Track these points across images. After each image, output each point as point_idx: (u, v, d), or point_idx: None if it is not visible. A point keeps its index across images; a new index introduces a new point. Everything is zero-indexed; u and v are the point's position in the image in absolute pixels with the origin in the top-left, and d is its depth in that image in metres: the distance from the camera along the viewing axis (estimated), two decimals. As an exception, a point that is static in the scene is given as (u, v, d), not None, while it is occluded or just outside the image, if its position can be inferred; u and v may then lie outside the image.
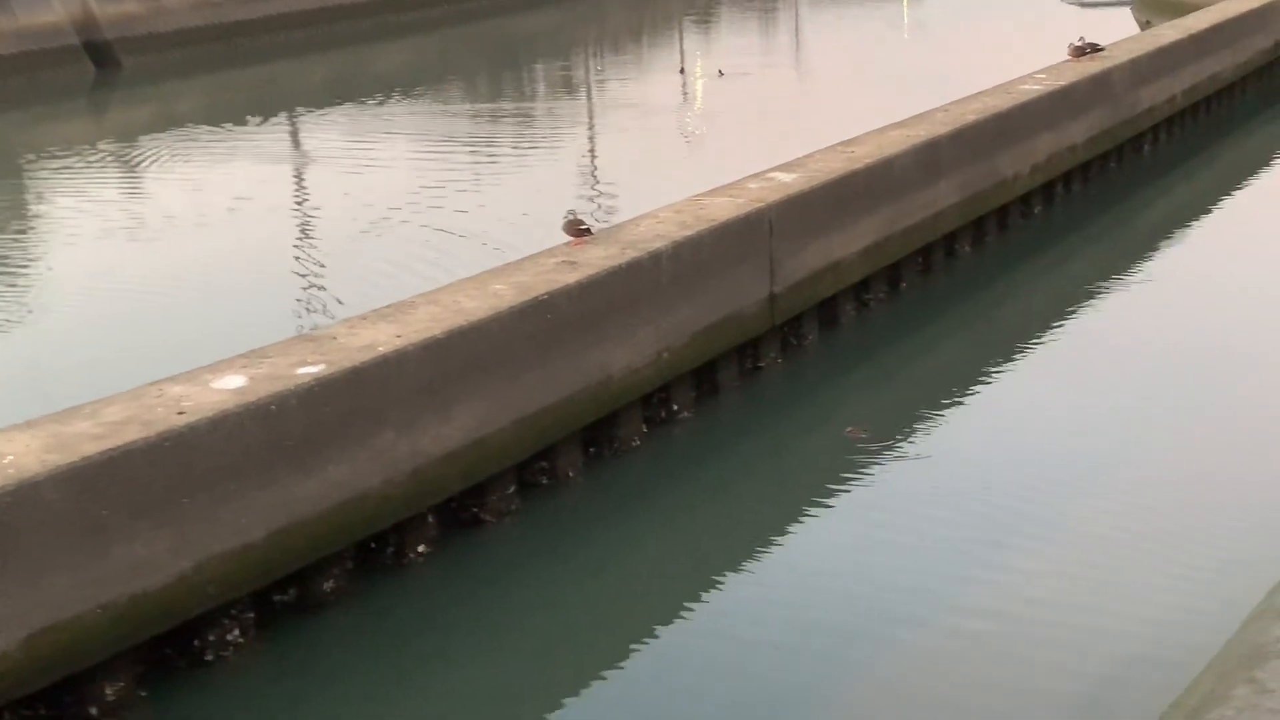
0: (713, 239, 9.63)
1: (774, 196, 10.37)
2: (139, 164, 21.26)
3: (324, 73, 32.95)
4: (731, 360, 10.19)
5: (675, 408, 9.64)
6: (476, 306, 8.00)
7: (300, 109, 25.79)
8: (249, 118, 24.69)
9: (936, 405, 10.12)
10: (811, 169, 11.26)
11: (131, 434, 6.27)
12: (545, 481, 8.65)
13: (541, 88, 29.51)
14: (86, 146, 23.11)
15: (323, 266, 14.29)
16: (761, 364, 10.56)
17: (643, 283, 9.03)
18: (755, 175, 11.07)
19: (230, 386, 6.79)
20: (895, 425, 9.71)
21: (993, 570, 7.85)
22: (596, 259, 8.88)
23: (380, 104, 25.87)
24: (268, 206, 17.27)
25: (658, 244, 9.22)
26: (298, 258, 14.73)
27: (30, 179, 20.66)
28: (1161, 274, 13.51)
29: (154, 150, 22.14)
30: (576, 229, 9.29)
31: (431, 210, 16.06)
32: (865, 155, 11.66)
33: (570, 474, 8.76)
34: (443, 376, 7.60)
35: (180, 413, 6.45)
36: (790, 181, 10.81)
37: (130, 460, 6.19)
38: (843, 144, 12.13)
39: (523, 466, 8.50)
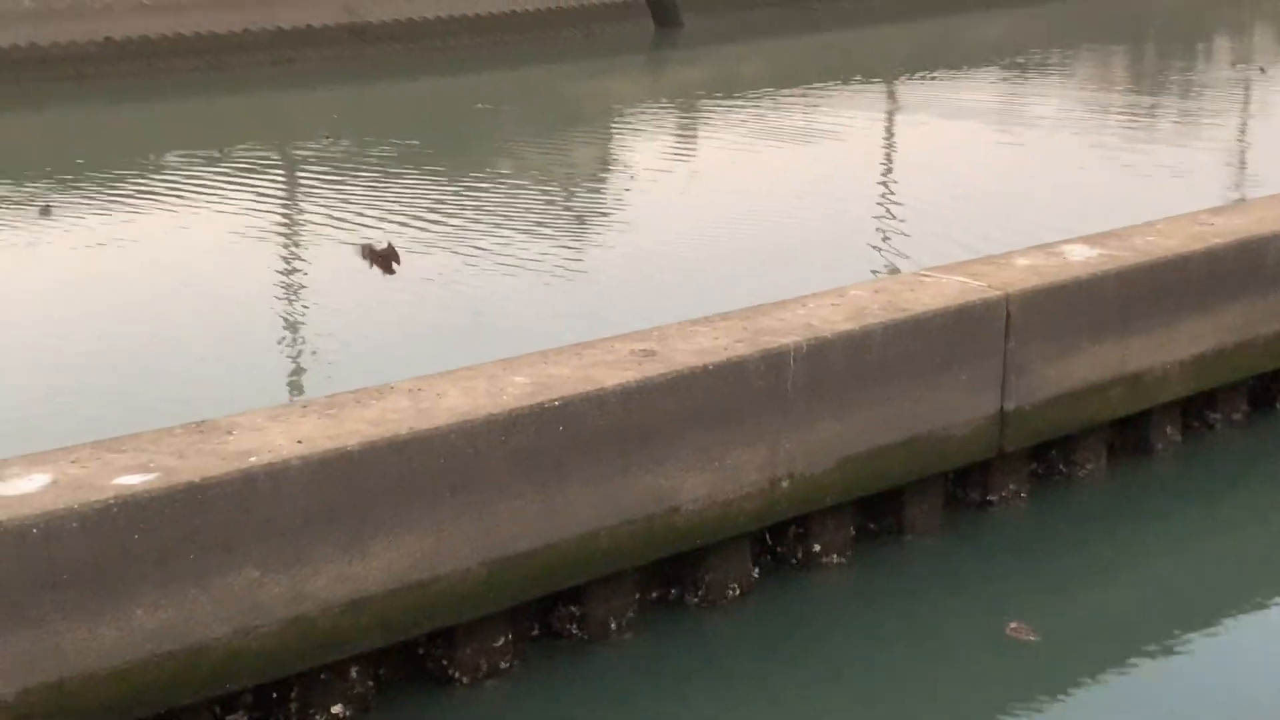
0: (886, 337, 7.24)
1: (1021, 284, 7.75)
2: (695, 124, 21.04)
3: (907, 43, 31.04)
4: (930, 493, 7.74)
5: (816, 549, 7.38)
6: (455, 407, 6.17)
7: (871, 79, 24.42)
8: (813, 86, 23.51)
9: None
10: (1132, 244, 8.46)
11: None
12: (576, 632, 6.73)
13: (1175, 75, 26.21)
14: (645, 103, 23.01)
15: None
16: (991, 498, 8.01)
17: (749, 389, 6.84)
18: (1037, 248, 8.43)
19: (20, 491, 5.37)
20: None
21: None
22: (684, 354, 6.78)
23: (963, 79, 24.23)
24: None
25: (788, 339, 6.97)
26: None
27: (592, 131, 20.39)
28: None
29: (709, 112, 21.68)
30: (378, 254, 7.09)
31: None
32: (1223, 231, 8.67)
33: (614, 627, 6.78)
34: (352, 501, 5.84)
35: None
36: (1075, 262, 8.11)
37: None
38: (1209, 212, 9.13)
39: (534, 614, 6.63)
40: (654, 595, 7.05)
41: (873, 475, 7.38)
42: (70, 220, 14.52)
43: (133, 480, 5.45)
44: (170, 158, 17.33)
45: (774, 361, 6.88)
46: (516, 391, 6.31)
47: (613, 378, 6.48)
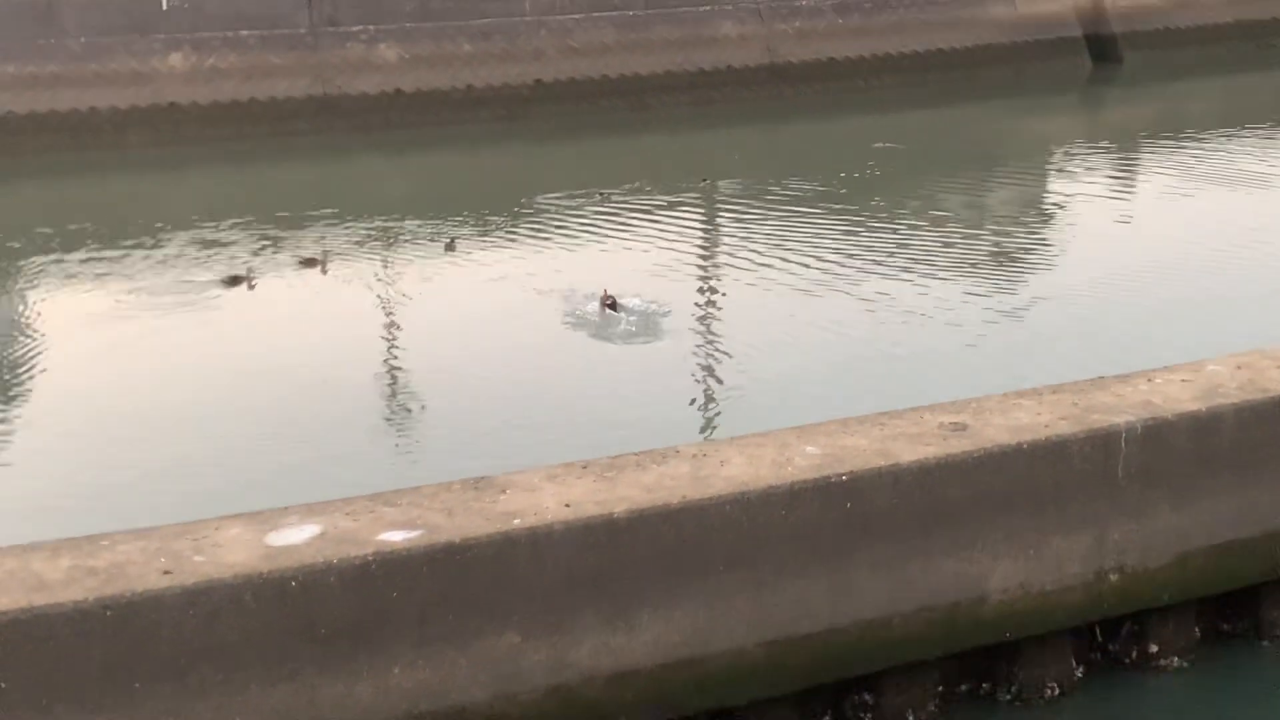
0: (1240, 420, 6.49)
1: None
2: (1127, 166, 20.35)
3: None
4: (1295, 593, 6.90)
5: (1153, 649, 6.67)
6: (734, 476, 5.87)
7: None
8: (1269, 126, 22.28)
9: None
10: None
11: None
12: (865, 718, 6.30)
13: None
14: (1072, 143, 22.45)
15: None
16: (1374, 605, 7.07)
17: (1071, 472, 6.25)
18: None
19: (287, 542, 5.41)
20: None
21: None
22: (998, 430, 6.25)
23: None
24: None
25: (1119, 418, 6.33)
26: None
27: (1009, 172, 19.82)
28: None
29: (1146, 153, 20.98)
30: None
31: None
32: None
33: (912, 719, 6.32)
34: (617, 569, 5.63)
35: (167, 572, 5.20)
36: None
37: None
38: None
39: (825, 698, 6.24)
40: (962, 688, 6.52)
41: (1219, 573, 6.62)
42: (470, 255, 14.98)
43: (395, 537, 5.42)
44: (577, 195, 17.61)
45: (1101, 442, 6.26)
46: (804, 463, 5.95)
47: (911, 453, 6.03)
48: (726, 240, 15.26)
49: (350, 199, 18.41)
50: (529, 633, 5.54)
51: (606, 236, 15.50)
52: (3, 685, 4.85)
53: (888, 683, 6.23)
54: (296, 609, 5.22)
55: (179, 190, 20.10)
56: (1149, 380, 6.74)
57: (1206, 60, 29.89)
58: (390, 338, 12.23)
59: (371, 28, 23.68)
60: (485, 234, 16.06)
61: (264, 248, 15.01)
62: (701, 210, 16.86)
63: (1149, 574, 6.45)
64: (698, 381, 10.74)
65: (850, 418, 6.41)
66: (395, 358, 11.63)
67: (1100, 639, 6.71)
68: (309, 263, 14.12)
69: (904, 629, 6.08)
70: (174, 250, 15.00)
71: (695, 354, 11.32)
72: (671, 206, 16.87)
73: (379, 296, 13.44)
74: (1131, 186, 19.17)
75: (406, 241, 15.66)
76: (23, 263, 14.81)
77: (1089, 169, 20.44)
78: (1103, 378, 6.83)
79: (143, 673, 5.06)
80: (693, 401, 10.18)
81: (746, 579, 5.80)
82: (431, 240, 15.66)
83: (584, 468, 5.99)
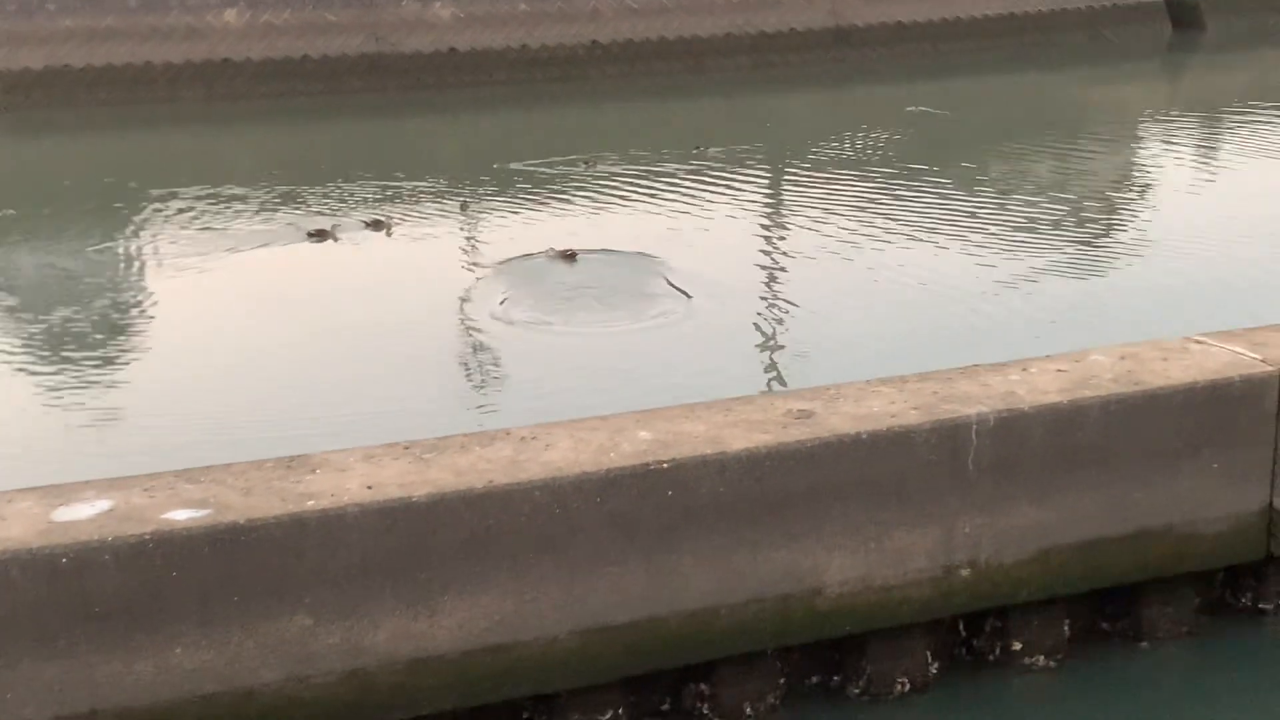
0: (1106, 414, 6.18)
1: (1305, 356, 6.45)
2: (1196, 136, 19.83)
3: None
4: (1178, 595, 6.59)
5: (1017, 647, 6.41)
6: (552, 461, 5.71)
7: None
8: None
9: None
10: None
11: None
12: (706, 712, 6.13)
13: None
14: (1145, 111, 21.99)
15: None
16: (1264, 606, 6.74)
17: (916, 464, 6.00)
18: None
19: (71, 518, 5.34)
20: None
21: None
22: (842, 419, 6.01)
23: None
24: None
25: (971, 409, 6.06)
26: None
27: (1063, 140, 19.25)
28: None
29: (1219, 124, 20.46)
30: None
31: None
32: None
33: (750, 711, 6.14)
34: (418, 555, 5.50)
35: (-58, 542, 5.16)
36: (1393, 332, 6.70)
37: None
38: None
39: (664, 688, 6.08)
40: (811, 680, 6.32)
41: (1086, 571, 6.34)
42: (480, 216, 14.87)
43: (179, 516, 5.32)
44: (613, 159, 17.30)
45: (949, 434, 6.00)
46: (630, 449, 5.77)
47: (743, 441, 5.82)
48: (728, 208, 15.03)
49: (403, 159, 18.38)
50: (321, 616, 5.44)
51: (648, 200, 15.27)
52: None
53: (723, 674, 6.05)
54: (69, 586, 5.15)
55: (232, 146, 20.24)
56: (1023, 369, 6.46)
57: (1294, 27, 29.04)
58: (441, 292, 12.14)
59: (427, -15, 23.62)
60: (505, 196, 15.90)
61: (323, 205, 15.06)
62: (708, 178, 16.52)
63: (1004, 570, 6.19)
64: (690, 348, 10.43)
65: (698, 403, 6.21)
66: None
67: (965, 635, 6.45)
68: (375, 225, 14.13)
69: (732, 620, 5.89)
70: (237, 204, 15.11)
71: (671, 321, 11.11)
72: (694, 173, 16.59)
73: (437, 258, 13.38)
74: (1206, 158, 18.60)
75: (453, 202, 15.63)
76: (93, 211, 15.03)
77: (1154, 138, 19.90)
78: (976, 366, 6.56)
79: (-92, 645, 5.03)
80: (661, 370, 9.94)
81: (558, 566, 5.64)
82: (444, 201, 15.55)
83: (405, 448, 5.86)
